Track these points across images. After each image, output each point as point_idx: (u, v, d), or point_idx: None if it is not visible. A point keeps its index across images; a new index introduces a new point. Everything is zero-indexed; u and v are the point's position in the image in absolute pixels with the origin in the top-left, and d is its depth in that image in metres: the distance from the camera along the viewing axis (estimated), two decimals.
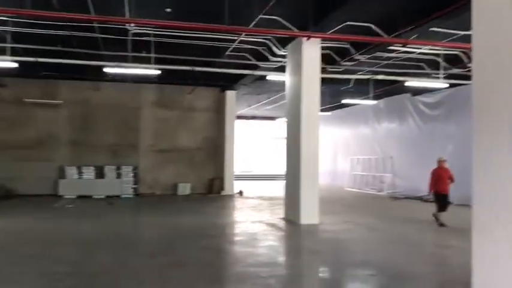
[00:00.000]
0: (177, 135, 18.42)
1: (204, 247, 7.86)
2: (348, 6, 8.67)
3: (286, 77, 11.23)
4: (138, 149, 17.97)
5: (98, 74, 15.28)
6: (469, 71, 13.25)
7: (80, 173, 16.63)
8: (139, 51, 11.97)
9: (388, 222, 11.16)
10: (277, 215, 11.65)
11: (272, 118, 29.76)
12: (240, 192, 18.15)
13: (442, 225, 10.20)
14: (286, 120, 11.25)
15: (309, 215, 10.03)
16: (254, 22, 9.35)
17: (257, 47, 12.02)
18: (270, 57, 12.30)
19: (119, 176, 16.90)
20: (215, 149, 18.78)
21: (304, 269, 6.89)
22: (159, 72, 12.31)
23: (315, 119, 10.31)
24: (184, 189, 17.93)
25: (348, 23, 9.84)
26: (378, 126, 20.17)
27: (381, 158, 19.80)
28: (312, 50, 10.14)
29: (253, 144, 33.02)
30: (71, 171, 16.53)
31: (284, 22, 9.73)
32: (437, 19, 8.91)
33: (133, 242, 8.24)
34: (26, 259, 6.61)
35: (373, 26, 10.04)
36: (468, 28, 10.32)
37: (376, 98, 17.72)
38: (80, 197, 15.74)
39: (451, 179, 10.65)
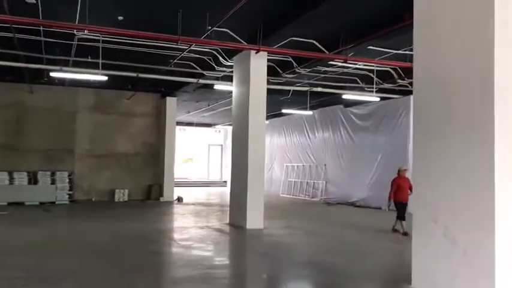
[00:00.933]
0: (114, 141, 18.18)
1: (156, 252, 8.04)
2: (295, 24, 9.27)
3: (233, 87, 11.63)
4: (73, 154, 17.53)
5: (34, 77, 14.83)
6: (399, 85, 14.44)
7: (12, 178, 15.95)
8: (84, 55, 11.85)
9: (328, 226, 11.87)
10: (222, 220, 11.99)
11: (209, 125, 30.04)
12: (179, 199, 18.23)
13: (405, 234, 9.96)
14: (233, 128, 11.65)
15: (255, 220, 10.47)
16: (206, 34, 9.66)
17: (204, 57, 12.32)
18: (216, 67, 12.65)
19: (53, 181, 16.39)
20: (154, 155, 18.75)
21: (254, 269, 7.28)
22: (105, 78, 12.23)
23: (262, 128, 10.82)
24: (122, 195, 17.72)
25: (293, 38, 10.44)
26: (312, 135, 21.10)
27: (314, 165, 20.74)
28: (259, 62, 10.64)
29: (189, 150, 33.06)
30: (1, 177, 15.80)
31: (234, 35, 10.13)
32: (375, 39, 9.77)
33: (86, 248, 8.22)
34: None
35: (315, 42, 10.72)
36: (398, 48, 11.36)
37: (312, 108, 18.60)
38: (12, 203, 15.10)
39: (411, 189, 10.00)
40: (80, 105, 17.69)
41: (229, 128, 30.47)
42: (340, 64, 12.58)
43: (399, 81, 13.88)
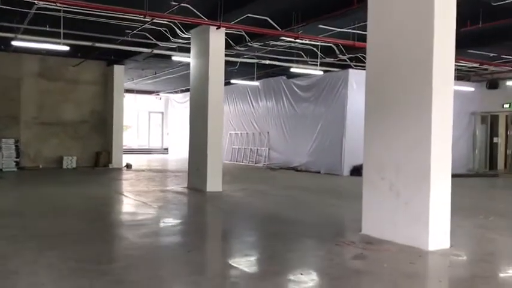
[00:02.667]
0: (61, 108, 18.15)
1: (127, 212, 8.79)
2: (254, 3, 10.11)
3: (191, 59, 12.27)
4: (19, 121, 17.36)
5: None
6: (339, 60, 15.72)
7: None
8: (41, 25, 11.91)
9: (279, 188, 13.07)
10: (179, 184, 12.80)
11: (150, 92, 30.12)
12: (128, 166, 18.68)
13: None
14: (191, 97, 12.37)
15: (214, 183, 11.40)
16: (171, 9, 10.21)
17: (161, 28, 12.78)
18: (172, 38, 13.16)
19: None
20: (101, 123, 18.94)
21: (222, 222, 8.26)
22: (67, 48, 12.38)
23: (220, 98, 11.67)
24: (70, 162, 17.88)
25: (249, 15, 11.23)
26: (255, 105, 22.11)
27: (258, 133, 21.86)
28: (218, 36, 11.35)
29: (129, 117, 32.96)
30: None
31: (195, 11, 10.74)
32: (325, 20, 10.83)
33: (62, 210, 8.77)
34: None
35: (269, 20, 11.59)
36: (342, 26, 12.44)
37: (258, 79, 19.54)
38: None
39: None
40: (24, 71, 17.42)
41: (171, 96, 30.85)
42: (288, 39, 13.56)
43: (340, 56, 15.14)
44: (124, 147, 19.77)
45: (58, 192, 11.19)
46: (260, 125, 21.74)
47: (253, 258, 5.75)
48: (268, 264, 5.47)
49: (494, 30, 11.33)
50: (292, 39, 13.21)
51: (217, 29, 11.00)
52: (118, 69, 18.54)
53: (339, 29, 12.50)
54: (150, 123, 33.18)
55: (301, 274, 4.95)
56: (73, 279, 4.56)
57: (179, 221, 8.37)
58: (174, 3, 10.18)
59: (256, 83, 19.89)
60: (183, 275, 5.05)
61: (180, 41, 13.28)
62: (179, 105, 29.88)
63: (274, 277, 4.87)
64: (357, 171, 16.84)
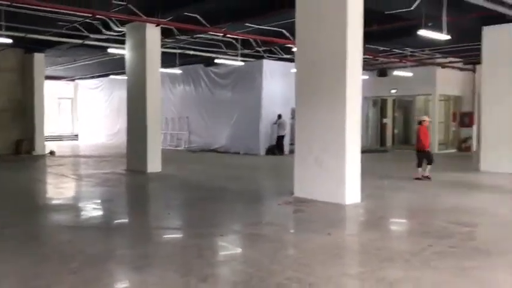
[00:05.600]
0: None
1: (82, 191, 9.93)
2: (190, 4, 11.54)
3: (126, 51, 13.31)
4: None
5: None
6: (256, 51, 17.55)
7: None
8: None
9: (211, 166, 14.72)
10: (117, 167, 13.86)
11: (59, 78, 29.66)
12: (51, 152, 18.99)
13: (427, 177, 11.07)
14: (128, 86, 13.42)
15: (154, 164, 12.71)
16: (117, 9, 11.23)
17: (94, 22, 13.57)
18: (104, 31, 14.02)
19: None
20: (21, 110, 18.97)
21: (173, 193, 9.72)
22: (11, 41, 12.74)
23: (157, 85, 13.01)
24: None
25: (185, 13, 12.57)
26: (174, 90, 23.22)
27: (177, 118, 23.07)
28: (154, 31, 12.57)
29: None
30: None
31: (132, 8, 11.85)
32: (251, 19, 12.57)
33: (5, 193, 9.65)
34: None
35: (199, 17, 13.01)
36: (261, 24, 14.14)
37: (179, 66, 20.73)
38: None
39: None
40: None
41: (80, 82, 30.63)
42: (212, 33, 15.06)
43: (257, 48, 16.98)
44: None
45: (7, 176, 11.79)
46: (180, 109, 22.94)
47: (214, 216, 7.38)
48: (231, 216, 7.17)
49: (385, 30, 13.84)
50: (219, 34, 14.72)
51: (156, 26, 12.21)
52: (38, 57, 18.66)
53: (257, 26, 14.28)
54: (60, 110, 32.59)
55: (262, 222, 6.73)
56: None
57: (135, 194, 9.71)
58: (115, 1, 11.21)
59: (178, 71, 21.04)
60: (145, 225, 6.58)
61: (111, 33, 14.16)
62: (91, 91, 29.87)
63: (242, 225, 6.59)
64: (271, 150, 19.02)
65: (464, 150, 20.80)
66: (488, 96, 13.15)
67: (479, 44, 13.46)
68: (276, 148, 18.92)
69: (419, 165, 11.31)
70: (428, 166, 11.19)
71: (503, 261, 5.05)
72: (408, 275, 4.51)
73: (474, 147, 19.96)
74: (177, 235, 6.47)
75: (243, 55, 17.88)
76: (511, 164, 12.30)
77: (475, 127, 20.66)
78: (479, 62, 13.98)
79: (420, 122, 11.59)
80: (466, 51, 17.51)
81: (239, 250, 5.70)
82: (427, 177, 11.07)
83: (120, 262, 5.10)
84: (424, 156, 11.27)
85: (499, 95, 12.73)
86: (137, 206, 8.71)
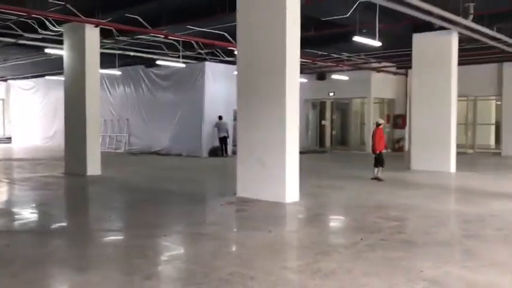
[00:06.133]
0: None
1: (18, 195, 9.66)
2: (131, 5, 11.47)
3: (65, 51, 12.99)
4: None
5: None
6: (197, 53, 17.64)
7: None
8: None
9: (151, 169, 14.63)
10: (55, 170, 13.47)
11: None
12: None
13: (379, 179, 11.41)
14: (66, 87, 13.09)
15: (94, 167, 12.49)
16: (54, 8, 10.97)
17: (29, 21, 13.15)
18: (40, 30, 13.61)
19: None
20: None
21: (114, 195, 9.66)
22: None
23: (97, 87, 12.80)
24: None
25: (126, 14, 12.48)
26: (113, 92, 22.80)
27: (116, 119, 22.67)
28: (93, 32, 12.37)
29: None
30: None
31: (71, 8, 11.62)
32: (193, 21, 12.69)
33: None
34: None
35: (140, 19, 12.94)
36: (203, 27, 14.28)
37: (118, 67, 20.40)
38: None
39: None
40: None
41: (13, 82, 29.29)
42: (151, 34, 14.98)
43: (199, 50, 17.09)
44: None
45: None
46: (119, 111, 22.55)
47: (157, 218, 7.46)
48: (174, 217, 7.28)
49: (323, 36, 14.41)
50: (160, 36, 14.69)
51: (95, 27, 12.03)
52: None
53: (198, 28, 14.40)
54: None
55: (205, 222, 6.89)
56: None
57: (74, 197, 9.56)
58: (52, 1, 10.96)
59: (117, 72, 20.68)
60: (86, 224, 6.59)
61: (48, 33, 13.77)
62: (24, 92, 28.65)
63: (185, 225, 6.72)
64: (213, 152, 19.16)
65: (397, 151, 21.93)
66: (417, 99, 14.04)
67: (410, 50, 14.33)
68: (219, 149, 19.08)
69: (376, 165, 11.53)
70: (380, 168, 11.44)
71: (426, 251, 5.51)
72: (342, 266, 4.84)
73: (406, 148, 21.09)
74: (120, 237, 6.50)
75: (184, 57, 17.92)
76: (438, 162, 13.21)
77: (407, 128, 21.82)
78: (410, 67, 14.85)
79: (377, 125, 11.81)
80: (399, 56, 18.54)
81: (182, 249, 5.84)
82: (378, 179, 11.31)
83: (62, 264, 5.08)
84: (376, 157, 11.46)
85: (427, 98, 13.62)
86: (77, 209, 8.60)
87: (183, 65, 17.60)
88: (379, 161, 11.48)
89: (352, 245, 5.66)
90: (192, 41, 15.65)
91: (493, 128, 22.78)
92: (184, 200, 9.01)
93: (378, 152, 11.45)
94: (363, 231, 6.36)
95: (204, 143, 18.97)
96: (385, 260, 5.07)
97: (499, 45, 14.50)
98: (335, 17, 11.88)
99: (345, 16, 11.28)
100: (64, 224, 7.47)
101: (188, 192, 9.87)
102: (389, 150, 11.30)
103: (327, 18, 12.29)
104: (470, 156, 19.13)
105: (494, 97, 21.37)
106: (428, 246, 5.70)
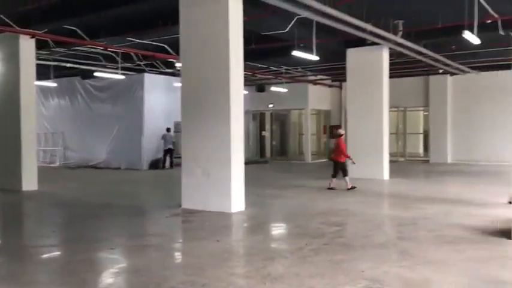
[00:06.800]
0: None
1: None
2: (70, 16, 11.26)
3: None
4: None
5: None
6: (137, 65, 17.49)
7: None
8: None
9: (89, 183, 14.26)
10: None
11: None
12: None
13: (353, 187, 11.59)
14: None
15: (30, 182, 12.02)
16: None
17: None
18: None
19: None
20: None
21: (54, 211, 9.40)
22: None
23: (32, 100, 12.39)
24: None
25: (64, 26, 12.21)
26: (47, 104, 21.98)
27: (50, 133, 21.85)
28: (28, 43, 12.00)
29: None
30: None
31: (5, 19, 11.23)
32: (133, 33, 12.63)
33: None
34: None
35: (78, 30, 12.71)
36: (142, 38, 14.23)
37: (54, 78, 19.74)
38: None
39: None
40: None
41: None
42: (89, 45, 14.71)
43: (138, 62, 16.95)
44: None
45: None
46: (53, 125, 21.75)
47: (101, 232, 7.37)
48: (119, 231, 7.22)
49: (263, 49, 14.79)
50: (99, 47, 14.45)
51: (31, 38, 11.67)
52: None
53: (139, 40, 14.34)
54: None
55: (151, 234, 6.89)
56: None
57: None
58: None
59: (52, 84, 20.00)
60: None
61: None
62: None
63: (131, 238, 6.70)
64: (154, 165, 18.96)
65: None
66: (352, 110, 14.74)
67: (345, 64, 15.04)
68: (163, 162, 18.91)
69: (334, 175, 11.82)
70: (346, 178, 11.71)
71: (365, 252, 5.87)
72: (289, 270, 5.07)
73: None
74: (64, 252, 6.36)
75: (123, 68, 17.69)
76: (373, 170, 13.90)
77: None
78: (345, 80, 15.55)
79: (339, 135, 12.20)
80: (334, 69, 19.36)
81: (131, 261, 5.82)
82: (353, 187, 11.56)
83: (4, 281, 4.93)
84: (340, 167, 11.81)
85: (361, 109, 14.34)
86: (14, 226, 8.27)
87: (122, 77, 17.34)
88: (344, 170, 11.78)
89: (297, 250, 5.91)
90: (132, 53, 15.52)
91: (421, 137, 24.23)
92: (128, 213, 8.92)
93: (344, 161, 11.80)
94: (306, 236, 6.65)
95: (144, 155, 18.73)
96: (328, 262, 5.36)
97: (425, 59, 15.54)
98: (274, 32, 12.28)
99: (284, 31, 11.69)
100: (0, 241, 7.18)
101: (132, 206, 9.77)
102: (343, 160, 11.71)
103: (266, 33, 12.68)
104: (401, 163, 20.22)
105: (422, 108, 22.77)
106: (367, 248, 6.07)
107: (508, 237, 6.29)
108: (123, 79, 18.67)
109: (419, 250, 5.94)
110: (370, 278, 4.78)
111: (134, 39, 13.73)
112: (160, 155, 18.93)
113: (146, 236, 6.97)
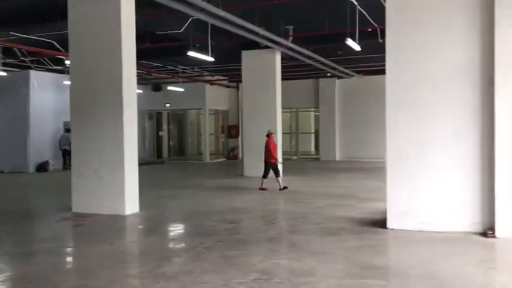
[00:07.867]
0: None
1: None
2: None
3: None
4: None
5: None
6: (21, 61, 16.35)
7: None
8: None
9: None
10: None
11: None
12: None
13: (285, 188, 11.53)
14: None
15: None
16: None
17: None
18: None
19: None
20: None
21: None
22: None
23: None
24: None
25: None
26: None
27: None
28: None
29: None
30: None
31: None
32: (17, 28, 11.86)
33: None
34: None
35: None
36: (29, 34, 13.40)
37: None
38: None
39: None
40: None
41: None
42: None
43: (22, 58, 15.89)
44: None
45: None
46: None
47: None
48: (4, 238, 6.80)
49: (158, 48, 14.68)
50: None
51: None
52: None
53: (23, 35, 13.45)
54: None
55: (40, 239, 6.59)
56: None
57: None
58: None
59: None
60: None
61: None
62: None
63: (18, 245, 6.36)
64: (42, 167, 17.83)
65: (232, 159, 23.16)
66: (247, 110, 15.18)
67: (241, 65, 15.43)
68: (63, 162, 17.84)
69: (265, 176, 11.77)
70: (278, 178, 11.72)
71: (258, 247, 6.19)
72: (183, 269, 5.20)
73: (240, 156, 22.44)
74: None
75: (5, 64, 16.44)
76: None
77: (240, 138, 23.22)
78: (241, 81, 15.95)
79: (268, 135, 12.08)
80: (231, 70, 19.74)
81: (18, 269, 5.53)
82: (285, 188, 11.54)
83: None
84: (272, 167, 11.80)
85: (256, 109, 14.83)
86: None
87: (4, 74, 16.10)
88: (275, 171, 11.80)
89: (191, 249, 6.05)
90: (15, 48, 14.51)
91: (312, 136, 25.59)
92: (14, 218, 8.39)
93: (274, 161, 11.83)
94: (201, 235, 6.81)
95: (31, 157, 17.56)
96: (222, 258, 5.57)
97: (314, 63, 16.50)
98: (169, 32, 12.26)
99: (179, 31, 11.73)
100: None
101: (18, 211, 9.20)
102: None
103: (161, 32, 12.62)
104: (294, 162, 21.21)
105: (313, 109, 24.06)
106: (259, 243, 6.39)
107: (384, 227, 6.99)
108: (5, 76, 17.35)
109: (306, 242, 6.39)
110: (261, 270, 5.07)
111: (18, 34, 12.85)
112: (48, 158, 17.87)
113: (35, 241, 6.64)
